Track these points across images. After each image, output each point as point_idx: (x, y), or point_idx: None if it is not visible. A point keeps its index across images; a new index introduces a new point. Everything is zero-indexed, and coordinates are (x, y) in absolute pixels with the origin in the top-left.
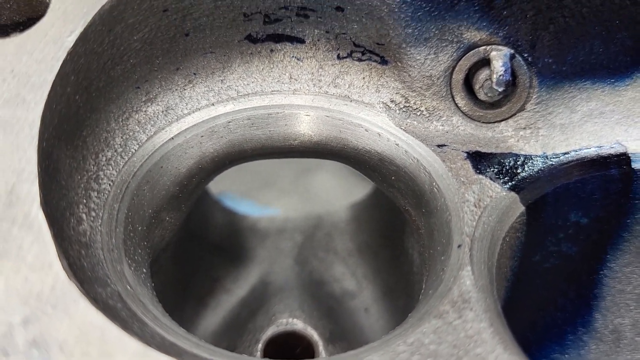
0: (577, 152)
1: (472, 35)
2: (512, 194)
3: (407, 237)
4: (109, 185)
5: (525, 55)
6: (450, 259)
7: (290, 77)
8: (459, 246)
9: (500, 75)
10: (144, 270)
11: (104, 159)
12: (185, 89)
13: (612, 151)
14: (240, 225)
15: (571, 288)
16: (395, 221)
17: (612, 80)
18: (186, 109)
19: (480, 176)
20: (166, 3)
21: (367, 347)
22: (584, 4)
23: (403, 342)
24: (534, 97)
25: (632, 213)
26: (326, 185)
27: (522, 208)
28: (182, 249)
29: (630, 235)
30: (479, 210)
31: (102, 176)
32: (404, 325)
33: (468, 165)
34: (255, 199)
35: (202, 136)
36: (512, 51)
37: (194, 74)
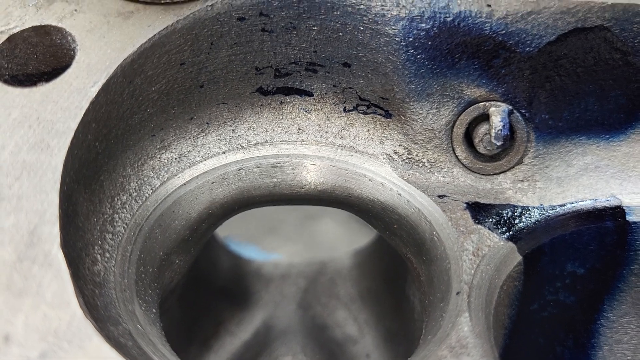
0: (573, 205)
1: (473, 91)
2: (510, 243)
3: (408, 284)
4: (123, 227)
5: (523, 111)
6: (449, 305)
7: (299, 128)
8: (458, 293)
9: (498, 130)
10: (154, 310)
11: (119, 202)
12: (198, 138)
13: (607, 204)
14: (245, 270)
15: (569, 337)
16: (397, 268)
17: (607, 136)
18: (198, 156)
19: (479, 226)
20: (183, 57)
21: None
22: (578, 64)
23: None
24: (532, 151)
25: (627, 264)
26: (330, 232)
27: (519, 257)
28: (189, 291)
29: (626, 286)
30: (477, 259)
31: (117, 219)
32: None
33: (467, 215)
34: (262, 245)
35: (212, 183)
36: (511, 107)
37: (207, 123)
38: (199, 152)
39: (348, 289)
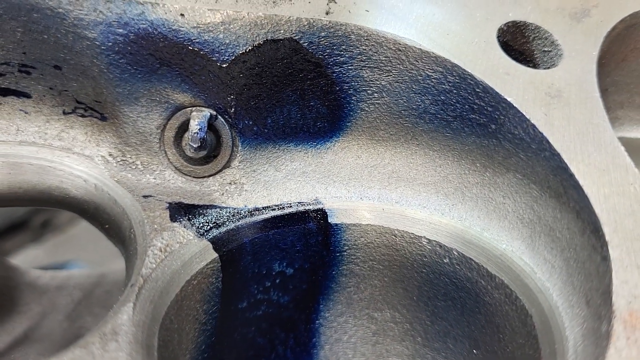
0: (278, 207)
1: (178, 97)
2: (205, 241)
3: None
4: None
5: (226, 117)
6: (122, 297)
7: (18, 129)
8: (132, 285)
9: (194, 133)
10: None
11: None
12: None
13: (310, 207)
14: (18, 281)
15: (290, 337)
16: None
17: (314, 143)
18: None
19: (175, 224)
20: None
21: None
22: (274, 73)
23: None
24: (239, 155)
25: (335, 265)
26: None
27: (214, 255)
28: None
29: (338, 287)
30: (163, 255)
31: None
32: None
33: (166, 214)
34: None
35: None
36: (214, 112)
37: None
38: None
39: None
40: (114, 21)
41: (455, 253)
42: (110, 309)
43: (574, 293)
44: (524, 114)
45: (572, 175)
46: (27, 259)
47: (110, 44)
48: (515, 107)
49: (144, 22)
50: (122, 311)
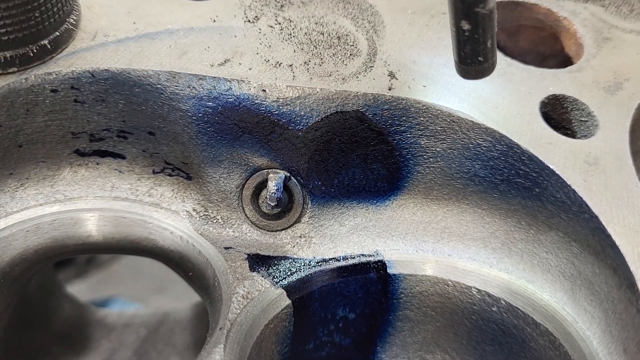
0: (343, 258)
1: (256, 160)
2: (280, 289)
3: None
4: None
5: (299, 178)
6: (212, 339)
7: (113, 186)
8: (221, 329)
9: (272, 193)
10: None
11: None
12: (17, 191)
13: (371, 259)
14: (88, 318)
15: None
16: None
17: (374, 201)
18: (16, 207)
19: (254, 274)
20: (0, 120)
21: None
22: (342, 140)
23: None
24: (308, 212)
25: (392, 311)
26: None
27: (288, 301)
28: (15, 336)
29: (394, 330)
30: (245, 301)
31: None
32: None
33: (246, 264)
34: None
35: (27, 231)
36: (288, 174)
37: (27, 178)
38: (17, 203)
39: (185, 337)
40: (205, 95)
41: (502, 302)
42: (174, 346)
43: (613, 341)
44: (565, 180)
45: (609, 236)
46: (71, 294)
47: (200, 114)
48: (557, 174)
49: (230, 97)
50: (214, 352)
